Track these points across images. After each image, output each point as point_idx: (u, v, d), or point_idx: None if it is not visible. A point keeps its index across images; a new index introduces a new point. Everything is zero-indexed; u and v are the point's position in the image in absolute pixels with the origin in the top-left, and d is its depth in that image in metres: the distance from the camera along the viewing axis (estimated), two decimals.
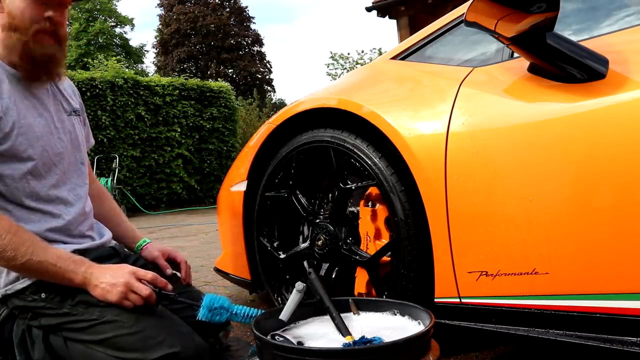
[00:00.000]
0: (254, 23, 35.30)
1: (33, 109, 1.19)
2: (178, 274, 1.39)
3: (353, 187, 1.56)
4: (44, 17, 1.15)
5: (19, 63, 1.16)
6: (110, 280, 1.08)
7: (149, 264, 1.35)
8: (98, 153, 8.04)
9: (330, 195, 1.76)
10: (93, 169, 7.39)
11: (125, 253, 1.35)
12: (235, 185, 1.93)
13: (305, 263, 1.75)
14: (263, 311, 1.14)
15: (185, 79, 9.64)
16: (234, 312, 1.11)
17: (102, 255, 1.23)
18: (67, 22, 1.24)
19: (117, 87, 8.39)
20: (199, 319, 1.10)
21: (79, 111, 1.35)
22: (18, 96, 1.16)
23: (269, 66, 29.50)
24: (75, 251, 1.18)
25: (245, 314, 1.12)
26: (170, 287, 1.15)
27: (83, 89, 7.93)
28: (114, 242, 1.37)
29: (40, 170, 1.17)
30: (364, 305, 1.15)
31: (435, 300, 1.33)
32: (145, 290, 1.09)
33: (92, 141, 1.47)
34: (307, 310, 1.13)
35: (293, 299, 1.09)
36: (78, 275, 1.09)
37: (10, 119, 1.12)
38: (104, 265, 1.12)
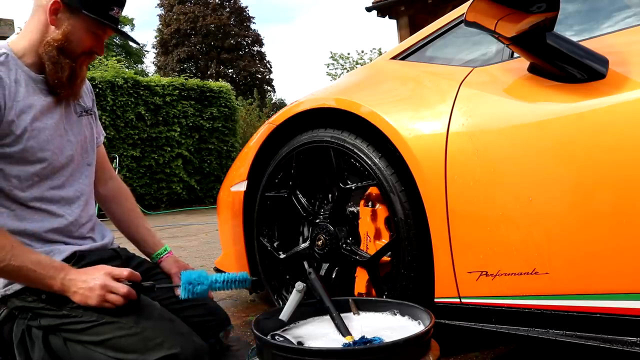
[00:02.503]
0: (254, 23, 35.31)
1: (46, 112, 1.19)
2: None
3: (353, 187, 1.56)
4: (95, 50, 1.21)
5: (64, 83, 1.19)
6: (87, 284, 1.07)
7: (156, 269, 1.34)
8: None
9: (330, 195, 1.76)
10: None
11: (127, 255, 1.34)
12: (235, 185, 1.93)
13: (305, 263, 1.75)
14: (245, 274, 1.16)
15: (185, 79, 9.64)
16: (214, 280, 1.13)
17: (103, 257, 1.22)
18: None
19: (117, 87, 8.39)
20: (183, 297, 1.11)
21: (90, 110, 1.35)
22: (34, 101, 1.17)
23: (269, 66, 29.52)
24: (76, 252, 1.19)
25: (226, 280, 1.13)
26: (140, 278, 1.15)
27: None
28: (116, 244, 1.36)
29: (48, 173, 1.18)
30: (364, 305, 1.15)
31: (435, 300, 1.33)
32: (122, 288, 1.08)
33: (104, 133, 1.47)
34: (307, 310, 1.13)
35: (293, 299, 1.09)
36: (56, 281, 1.08)
37: (22, 123, 1.13)
38: (81, 269, 1.11)
